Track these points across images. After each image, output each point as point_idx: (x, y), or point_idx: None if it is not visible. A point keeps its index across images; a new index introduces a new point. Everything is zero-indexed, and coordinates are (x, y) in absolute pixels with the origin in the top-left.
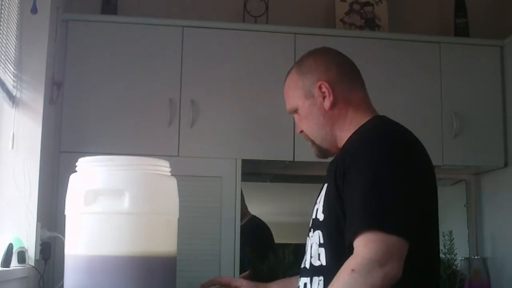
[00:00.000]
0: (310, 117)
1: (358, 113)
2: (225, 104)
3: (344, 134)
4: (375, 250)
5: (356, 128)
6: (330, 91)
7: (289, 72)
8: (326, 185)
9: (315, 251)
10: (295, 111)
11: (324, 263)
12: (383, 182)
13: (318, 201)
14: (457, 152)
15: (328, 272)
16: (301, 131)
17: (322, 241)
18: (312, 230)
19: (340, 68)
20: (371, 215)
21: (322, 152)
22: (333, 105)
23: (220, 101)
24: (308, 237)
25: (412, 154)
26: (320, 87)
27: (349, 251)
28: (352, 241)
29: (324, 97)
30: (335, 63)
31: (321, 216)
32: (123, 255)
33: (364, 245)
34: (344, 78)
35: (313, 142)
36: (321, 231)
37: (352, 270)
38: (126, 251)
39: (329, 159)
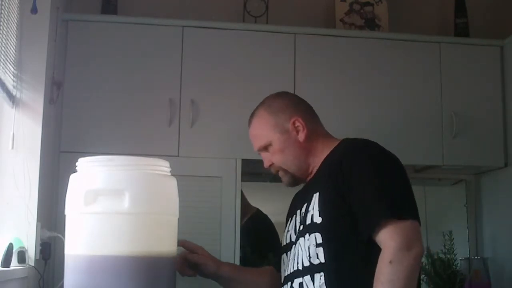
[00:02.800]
0: (286, 150)
1: (326, 140)
2: (225, 104)
3: (317, 159)
4: (399, 239)
5: (328, 152)
6: (304, 125)
7: (255, 114)
8: (316, 194)
9: (313, 252)
10: (266, 147)
11: (323, 261)
12: (386, 179)
13: (310, 209)
14: (457, 152)
15: (327, 267)
16: (271, 165)
17: (320, 241)
18: (307, 234)
19: (305, 107)
20: (386, 209)
21: (295, 180)
22: (307, 137)
23: (220, 101)
24: (295, 244)
25: (390, 154)
26: (294, 123)
27: (368, 242)
28: (372, 234)
29: (298, 131)
30: (300, 103)
31: (318, 220)
32: (123, 255)
33: (390, 238)
34: (310, 114)
35: (285, 172)
36: (319, 232)
37: (390, 262)
38: (126, 251)
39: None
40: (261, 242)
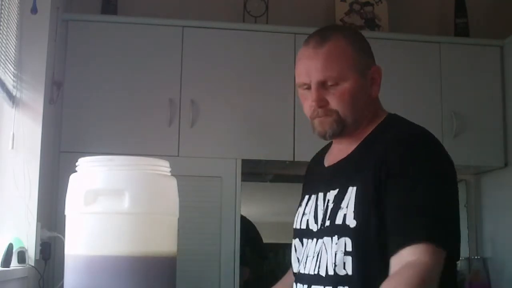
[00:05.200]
0: (357, 96)
1: (379, 107)
2: (225, 104)
3: (366, 125)
4: (437, 263)
5: (377, 123)
6: (380, 79)
7: (331, 38)
8: (353, 189)
9: (340, 260)
10: (336, 82)
11: (350, 273)
12: (440, 195)
13: (343, 205)
14: (457, 152)
15: (353, 282)
16: (322, 105)
17: (349, 249)
18: (337, 236)
19: None
20: (434, 229)
21: (340, 132)
22: (377, 94)
23: (220, 101)
24: (318, 240)
25: (451, 163)
26: (375, 71)
27: (391, 253)
28: (405, 245)
29: (373, 83)
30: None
31: (352, 223)
32: (123, 255)
33: (430, 253)
34: None
35: (339, 120)
36: (350, 238)
37: (424, 280)
38: (126, 251)
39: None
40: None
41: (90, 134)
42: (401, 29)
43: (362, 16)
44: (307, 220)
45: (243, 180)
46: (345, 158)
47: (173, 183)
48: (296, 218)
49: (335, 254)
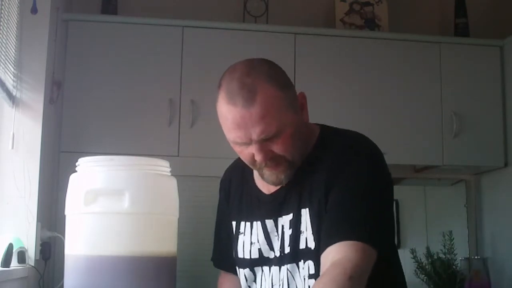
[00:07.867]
0: (297, 135)
1: (310, 125)
2: None
3: (307, 148)
4: (366, 261)
5: (313, 142)
6: (306, 102)
7: (257, 89)
8: (306, 210)
9: (307, 284)
10: (277, 134)
11: None
12: (371, 199)
13: (302, 229)
14: (457, 152)
15: None
16: (270, 157)
17: (312, 272)
18: (302, 261)
19: None
20: (368, 228)
21: (292, 173)
22: (308, 118)
23: None
24: (282, 268)
25: (386, 172)
26: (301, 98)
27: (320, 253)
28: (332, 243)
29: (302, 109)
30: None
31: (312, 245)
32: (123, 255)
33: (358, 251)
34: None
35: (289, 165)
36: (312, 260)
37: (350, 277)
38: (126, 251)
39: None
40: None
41: (90, 134)
42: (401, 29)
43: (362, 16)
44: (259, 249)
45: None
46: (289, 182)
47: (173, 183)
48: (241, 247)
49: (304, 279)
